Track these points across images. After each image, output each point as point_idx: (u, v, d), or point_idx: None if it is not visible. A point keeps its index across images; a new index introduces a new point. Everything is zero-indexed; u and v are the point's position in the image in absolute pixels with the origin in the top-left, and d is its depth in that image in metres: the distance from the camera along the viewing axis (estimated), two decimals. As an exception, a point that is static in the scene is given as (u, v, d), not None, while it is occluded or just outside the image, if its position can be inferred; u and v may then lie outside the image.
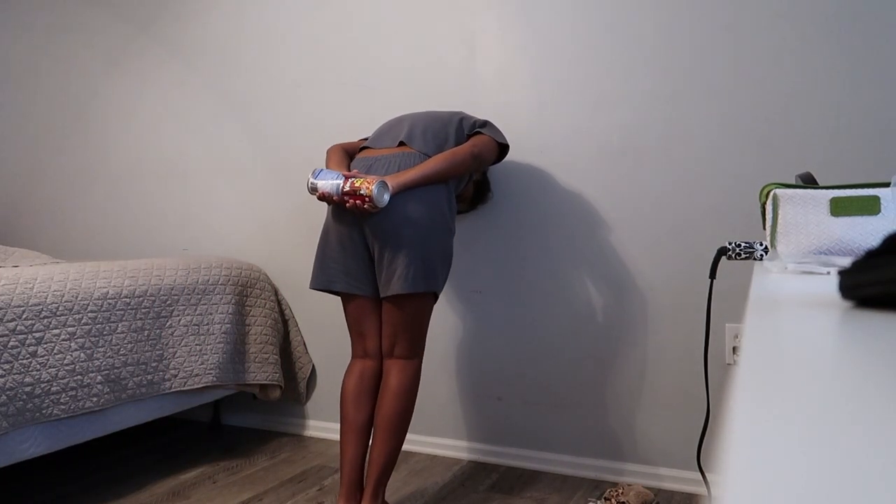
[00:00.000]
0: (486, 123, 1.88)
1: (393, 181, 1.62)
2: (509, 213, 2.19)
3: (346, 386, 1.75)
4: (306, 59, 2.50)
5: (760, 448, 0.19)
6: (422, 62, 2.30)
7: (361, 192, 1.58)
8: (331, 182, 1.62)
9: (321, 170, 1.66)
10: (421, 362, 1.74)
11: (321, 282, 1.74)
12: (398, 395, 1.68)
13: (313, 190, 1.64)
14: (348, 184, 1.60)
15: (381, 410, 1.68)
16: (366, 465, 1.70)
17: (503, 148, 1.90)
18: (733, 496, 0.16)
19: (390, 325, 1.71)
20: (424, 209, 1.65)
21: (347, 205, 1.61)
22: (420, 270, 1.64)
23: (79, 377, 1.77)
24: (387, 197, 1.59)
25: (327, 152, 1.90)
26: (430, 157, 1.72)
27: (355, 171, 1.72)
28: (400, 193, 1.63)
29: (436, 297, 1.75)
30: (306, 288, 2.45)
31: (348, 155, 1.88)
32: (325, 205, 2.28)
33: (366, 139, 1.93)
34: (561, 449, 2.13)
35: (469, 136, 1.84)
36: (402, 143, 1.76)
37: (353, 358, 1.80)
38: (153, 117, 2.82)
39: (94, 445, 2.40)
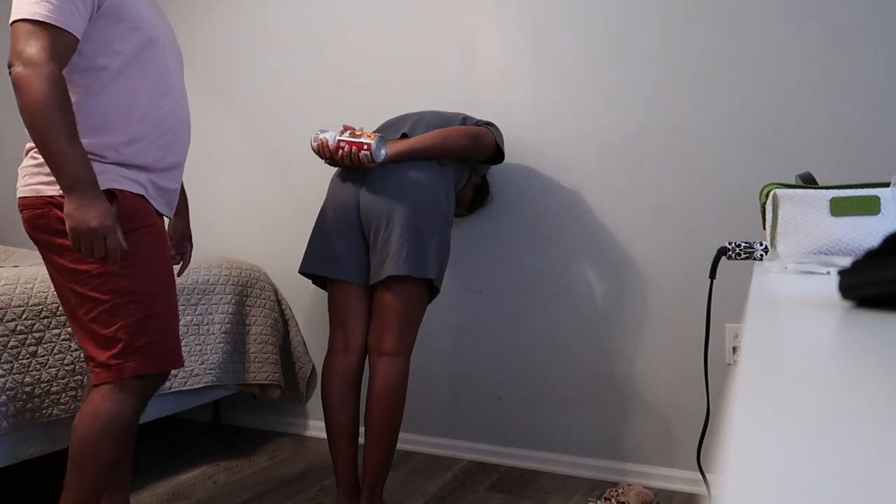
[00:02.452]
0: (489, 124, 1.89)
1: (390, 147, 1.66)
2: (509, 212, 2.19)
3: (327, 387, 1.70)
4: (306, 59, 2.50)
5: (760, 448, 0.19)
6: (422, 62, 2.30)
7: (361, 139, 1.61)
8: (332, 134, 1.66)
9: (326, 129, 1.71)
10: (409, 359, 1.69)
11: (310, 265, 1.72)
12: (386, 396, 1.63)
13: (314, 140, 1.67)
14: (347, 132, 1.64)
15: (370, 414, 1.64)
16: (360, 466, 1.68)
17: (499, 152, 1.90)
18: (733, 496, 0.16)
19: (380, 315, 1.66)
20: (421, 192, 1.65)
21: (342, 151, 1.62)
22: (414, 253, 1.61)
23: (79, 377, 1.77)
24: (384, 152, 1.63)
25: None
26: None
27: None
28: (397, 178, 1.64)
29: (431, 290, 1.72)
30: (306, 288, 2.45)
31: None
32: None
33: None
34: (561, 449, 2.13)
35: None
36: (404, 135, 1.77)
37: (330, 352, 1.72)
38: (153, 117, 2.81)
39: (94, 445, 2.40)
